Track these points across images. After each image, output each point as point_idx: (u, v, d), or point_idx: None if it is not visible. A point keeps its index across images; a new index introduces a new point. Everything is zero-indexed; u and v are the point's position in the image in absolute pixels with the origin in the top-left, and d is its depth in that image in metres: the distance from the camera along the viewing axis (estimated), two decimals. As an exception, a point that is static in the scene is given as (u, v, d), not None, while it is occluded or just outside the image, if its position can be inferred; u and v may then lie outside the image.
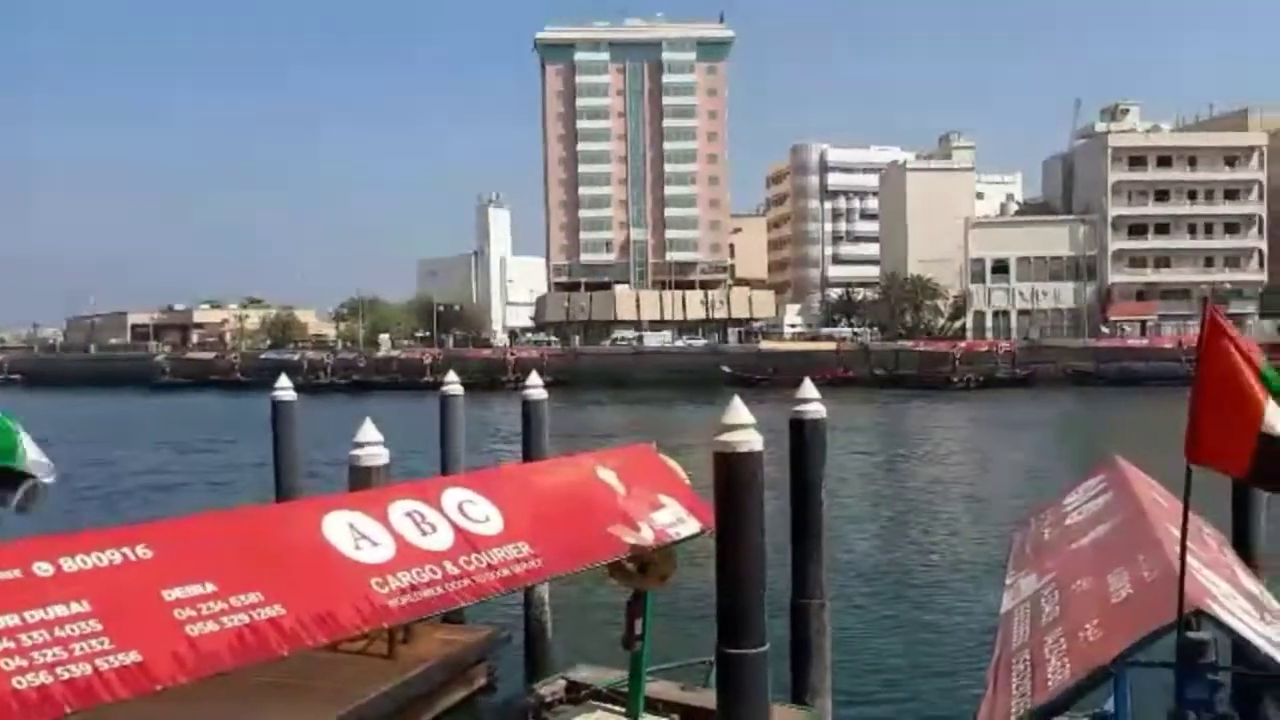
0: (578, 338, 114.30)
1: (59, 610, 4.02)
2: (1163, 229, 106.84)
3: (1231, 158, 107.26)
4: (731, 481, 7.33)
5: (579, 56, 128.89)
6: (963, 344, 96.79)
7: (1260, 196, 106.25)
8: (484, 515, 6.19)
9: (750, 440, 7.41)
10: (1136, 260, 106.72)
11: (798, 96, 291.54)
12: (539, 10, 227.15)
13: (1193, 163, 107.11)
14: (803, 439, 10.20)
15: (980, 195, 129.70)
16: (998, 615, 6.08)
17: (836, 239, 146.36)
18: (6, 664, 3.73)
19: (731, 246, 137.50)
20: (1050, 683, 4.14)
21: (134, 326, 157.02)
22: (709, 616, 7.52)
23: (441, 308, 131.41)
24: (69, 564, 4.24)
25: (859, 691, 12.34)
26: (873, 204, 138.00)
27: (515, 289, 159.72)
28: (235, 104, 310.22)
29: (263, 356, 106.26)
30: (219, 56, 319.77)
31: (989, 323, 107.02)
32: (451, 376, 15.55)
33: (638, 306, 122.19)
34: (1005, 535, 8.90)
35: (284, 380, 14.40)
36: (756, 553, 7.42)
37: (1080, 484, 7.77)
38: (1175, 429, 4.12)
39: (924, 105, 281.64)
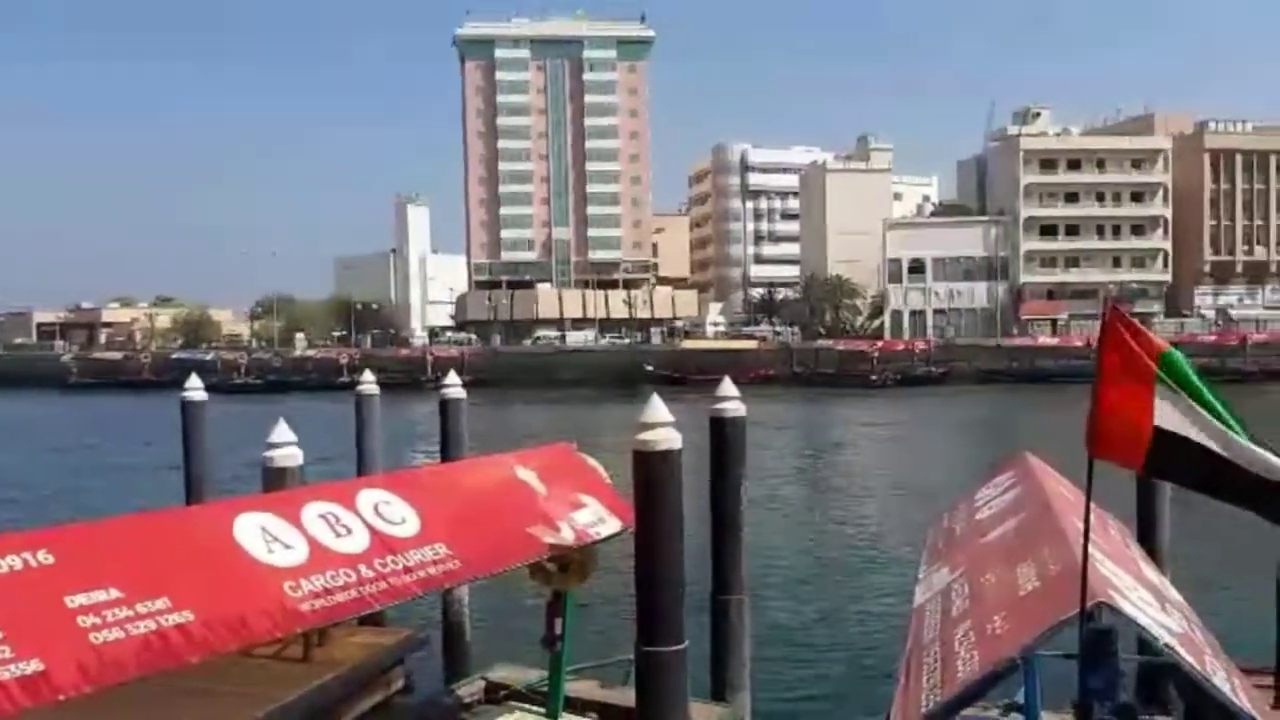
0: (499, 337, 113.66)
1: (-45, 619, 3.90)
2: (1073, 230, 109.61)
3: (1138, 161, 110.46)
4: (650, 480, 7.36)
5: (499, 53, 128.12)
6: (881, 343, 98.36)
7: (1165, 199, 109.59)
8: (400, 517, 6.12)
9: (669, 439, 7.45)
10: (1047, 260, 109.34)
11: (720, 96, 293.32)
12: (460, 6, 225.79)
13: (1101, 165, 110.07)
14: (722, 437, 10.28)
15: (898, 196, 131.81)
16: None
17: (758, 239, 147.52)
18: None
19: (654, 246, 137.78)
20: (959, 675, 4.22)
21: (39, 325, 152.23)
22: (632, 615, 7.55)
23: (359, 306, 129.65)
24: (-35, 571, 4.11)
25: (778, 686, 12.46)
26: (794, 204, 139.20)
27: (435, 287, 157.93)
28: (149, 98, 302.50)
29: (174, 357, 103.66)
30: (131, 47, 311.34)
31: (906, 322, 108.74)
32: (367, 376, 15.34)
33: (560, 305, 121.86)
34: (922, 530, 9.08)
35: (194, 380, 14.11)
36: (675, 551, 7.47)
37: (991, 479, 7.94)
38: (1082, 425, 4.24)
39: (845, 106, 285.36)
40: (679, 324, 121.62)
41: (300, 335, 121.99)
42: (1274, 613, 7.87)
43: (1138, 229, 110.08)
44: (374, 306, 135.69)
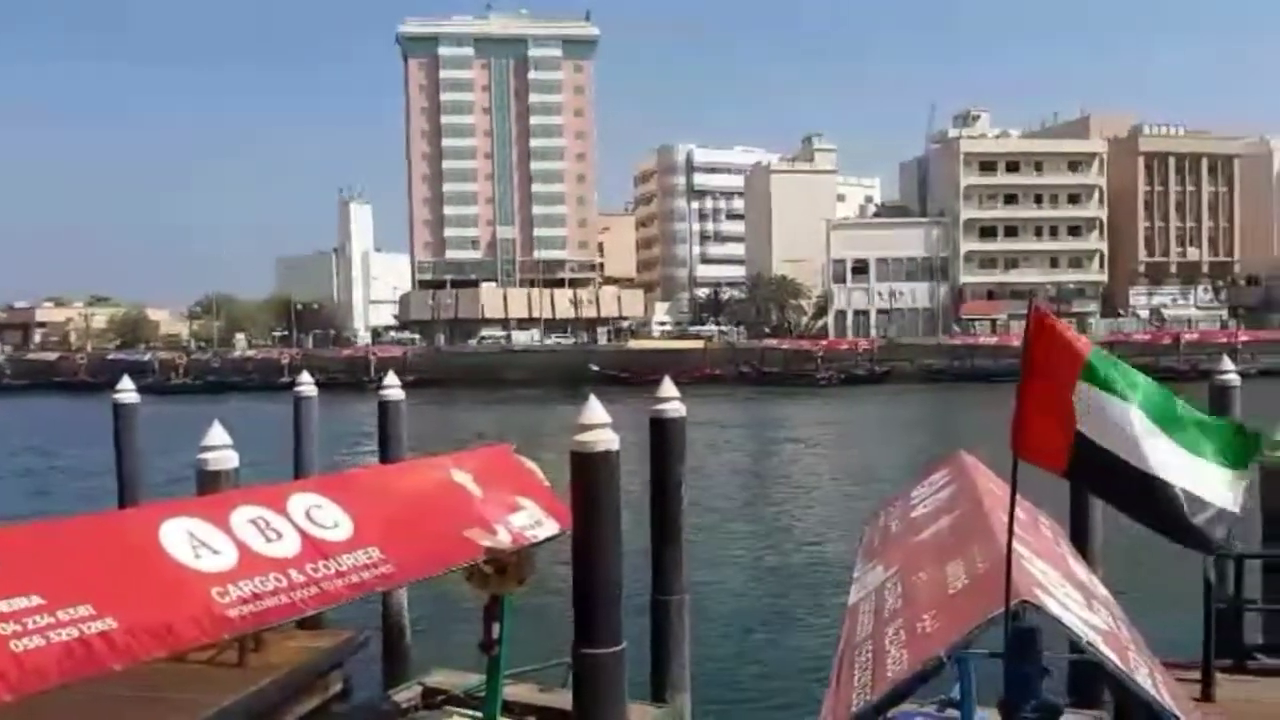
0: (443, 336, 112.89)
1: None
2: (1011, 231, 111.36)
3: (1075, 163, 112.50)
4: (588, 481, 7.36)
5: (442, 51, 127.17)
6: (825, 342, 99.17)
7: (1101, 201, 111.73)
8: (333, 521, 6.04)
9: (606, 440, 7.45)
10: (987, 261, 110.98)
11: (666, 97, 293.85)
12: (403, 3, 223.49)
13: (1039, 168, 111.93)
14: (663, 437, 10.30)
15: (841, 197, 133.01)
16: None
17: (704, 239, 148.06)
18: None
19: (600, 245, 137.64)
20: (890, 674, 4.24)
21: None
22: (571, 617, 7.53)
23: (300, 306, 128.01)
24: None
25: (720, 687, 12.49)
26: (739, 204, 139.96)
27: (378, 287, 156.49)
28: (91, 96, 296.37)
29: (110, 357, 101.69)
30: (69, 46, 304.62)
31: (849, 321, 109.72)
32: (305, 377, 15.17)
33: (505, 305, 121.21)
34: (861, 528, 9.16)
35: (126, 382, 13.84)
36: (612, 553, 7.46)
37: (926, 477, 8.00)
38: (1014, 425, 4.27)
39: (790, 108, 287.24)
40: (625, 324, 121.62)
41: (240, 335, 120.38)
42: (1202, 610, 8.06)
43: (1074, 230, 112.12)
44: (316, 306, 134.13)
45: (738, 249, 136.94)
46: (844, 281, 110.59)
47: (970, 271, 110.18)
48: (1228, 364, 11.67)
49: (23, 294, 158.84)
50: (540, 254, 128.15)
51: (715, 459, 36.89)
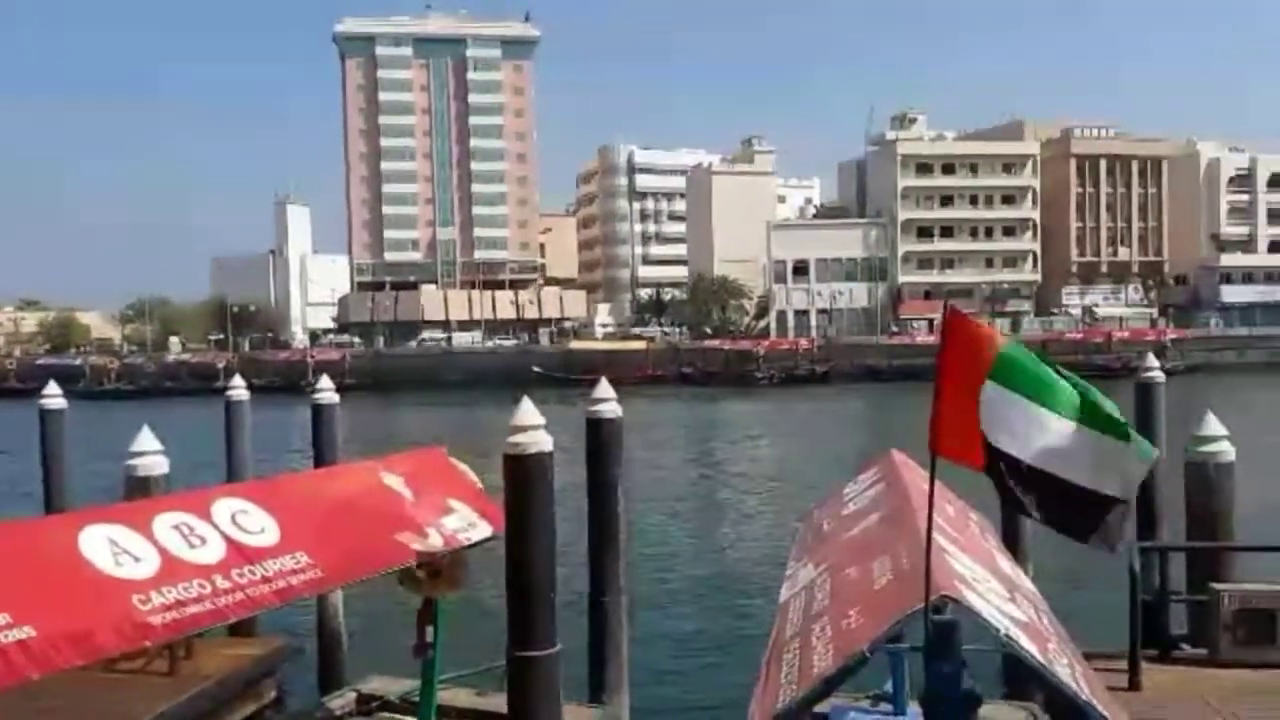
0: (383, 339, 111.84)
1: None
2: (947, 232, 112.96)
3: (1009, 165, 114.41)
4: (520, 483, 7.34)
5: (380, 50, 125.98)
6: (766, 343, 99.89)
7: (1034, 202, 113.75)
8: (259, 526, 5.96)
9: (539, 441, 7.43)
10: (924, 261, 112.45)
11: (608, 98, 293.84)
12: (340, 2, 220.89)
13: (974, 169, 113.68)
14: (599, 438, 10.29)
15: (782, 199, 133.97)
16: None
17: (646, 239, 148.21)
18: None
19: (542, 246, 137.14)
20: (815, 670, 4.29)
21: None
22: (505, 620, 7.50)
23: (236, 309, 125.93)
24: None
25: (658, 687, 12.52)
26: (681, 205, 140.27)
27: (316, 289, 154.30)
28: (16, 95, 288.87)
29: (40, 362, 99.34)
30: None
31: (791, 321, 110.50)
32: (238, 381, 14.91)
33: (445, 306, 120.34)
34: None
35: (53, 388, 13.56)
36: (546, 554, 7.45)
37: (859, 475, 8.09)
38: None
39: (731, 109, 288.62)
40: (567, 325, 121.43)
41: (175, 339, 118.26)
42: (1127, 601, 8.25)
43: (1009, 231, 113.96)
44: (252, 309, 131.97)
45: (680, 249, 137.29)
46: (785, 282, 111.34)
47: (908, 271, 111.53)
48: (1153, 361, 11.92)
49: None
50: (481, 255, 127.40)
51: (656, 460, 36.95)
